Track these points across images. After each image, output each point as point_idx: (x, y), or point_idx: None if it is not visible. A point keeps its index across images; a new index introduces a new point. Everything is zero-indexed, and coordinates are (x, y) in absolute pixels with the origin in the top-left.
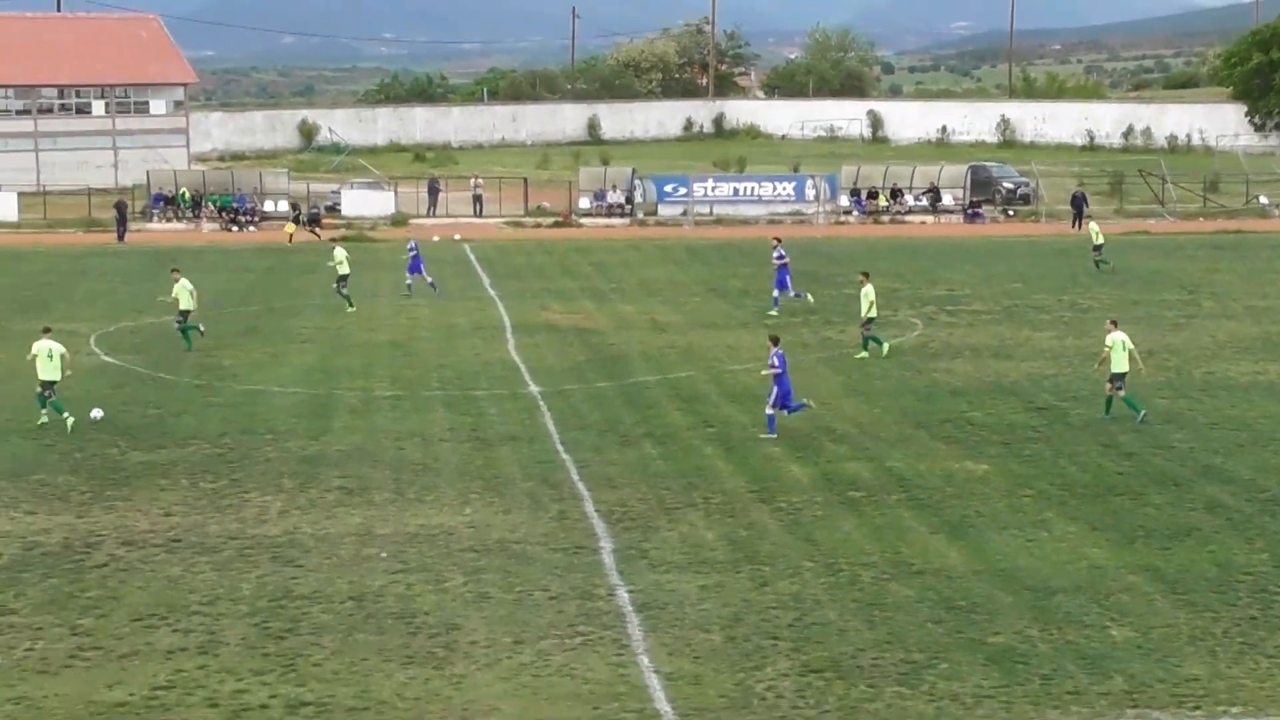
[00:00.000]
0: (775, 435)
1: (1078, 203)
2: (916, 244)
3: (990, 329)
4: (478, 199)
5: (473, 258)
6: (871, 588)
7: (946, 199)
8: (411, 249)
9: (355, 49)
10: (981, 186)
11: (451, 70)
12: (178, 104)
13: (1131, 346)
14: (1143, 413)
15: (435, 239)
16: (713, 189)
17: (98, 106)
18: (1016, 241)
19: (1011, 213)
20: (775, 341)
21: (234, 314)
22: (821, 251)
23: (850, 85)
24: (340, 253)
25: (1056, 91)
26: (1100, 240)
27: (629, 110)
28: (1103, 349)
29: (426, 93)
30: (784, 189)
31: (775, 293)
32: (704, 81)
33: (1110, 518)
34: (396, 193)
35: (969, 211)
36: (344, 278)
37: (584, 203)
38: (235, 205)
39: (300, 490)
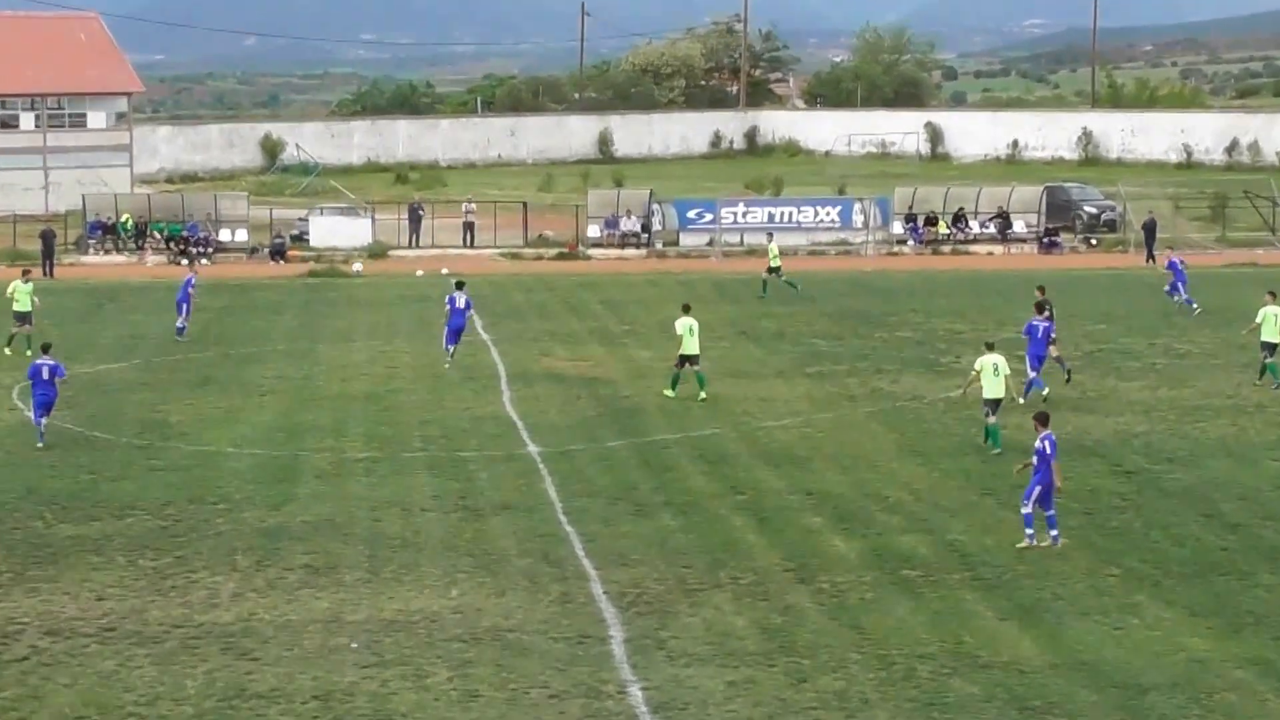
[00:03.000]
0: (1032, 536)
1: (1150, 232)
2: (982, 278)
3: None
4: (469, 227)
5: (471, 304)
6: (930, 684)
7: (1018, 225)
8: (451, 303)
9: (328, 52)
10: (1059, 211)
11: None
12: (120, 116)
13: (1007, 372)
14: (998, 448)
15: (419, 273)
16: (744, 215)
17: (26, 119)
18: (1100, 275)
19: (1094, 241)
20: (1044, 421)
21: (183, 361)
22: (872, 286)
23: (906, 93)
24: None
25: (1147, 100)
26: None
27: (647, 123)
28: (972, 371)
29: (410, 103)
30: (828, 214)
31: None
32: (734, 89)
33: (1213, 601)
34: (374, 220)
35: (1044, 240)
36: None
37: (593, 231)
38: (186, 234)
39: (258, 569)
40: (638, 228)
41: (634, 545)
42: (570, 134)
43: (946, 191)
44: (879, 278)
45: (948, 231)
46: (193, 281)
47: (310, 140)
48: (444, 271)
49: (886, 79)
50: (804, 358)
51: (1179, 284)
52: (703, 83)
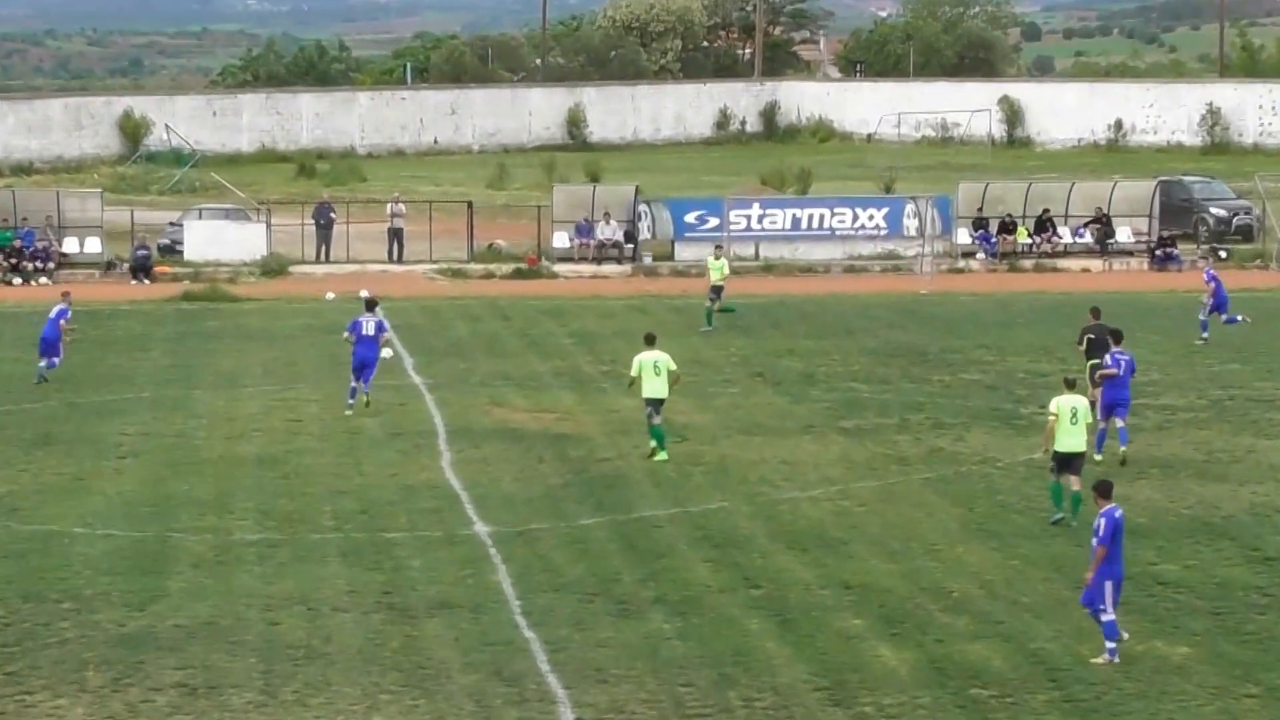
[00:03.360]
0: (1114, 653)
1: None
2: (1076, 303)
3: (1192, 434)
4: (396, 234)
5: (387, 325)
6: None
7: (1123, 233)
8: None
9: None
10: (1177, 214)
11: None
12: None
13: (1090, 419)
14: (1074, 521)
15: (329, 296)
16: (760, 219)
17: None
18: (1232, 298)
19: (1224, 254)
20: (1105, 493)
21: (15, 414)
22: (929, 314)
23: (973, 59)
24: None
25: None
26: None
27: (630, 97)
28: (1048, 415)
29: (317, 70)
30: (871, 218)
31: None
32: (747, 53)
33: None
34: (270, 225)
35: (1158, 252)
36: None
37: (560, 240)
38: (19, 244)
39: (115, 689)
40: (619, 236)
41: (615, 656)
42: (530, 112)
43: (1028, 188)
44: (938, 302)
45: (1029, 241)
46: (66, 314)
47: (185, 120)
48: (363, 294)
49: (948, 40)
50: (840, 408)
51: (1219, 304)
52: (705, 44)
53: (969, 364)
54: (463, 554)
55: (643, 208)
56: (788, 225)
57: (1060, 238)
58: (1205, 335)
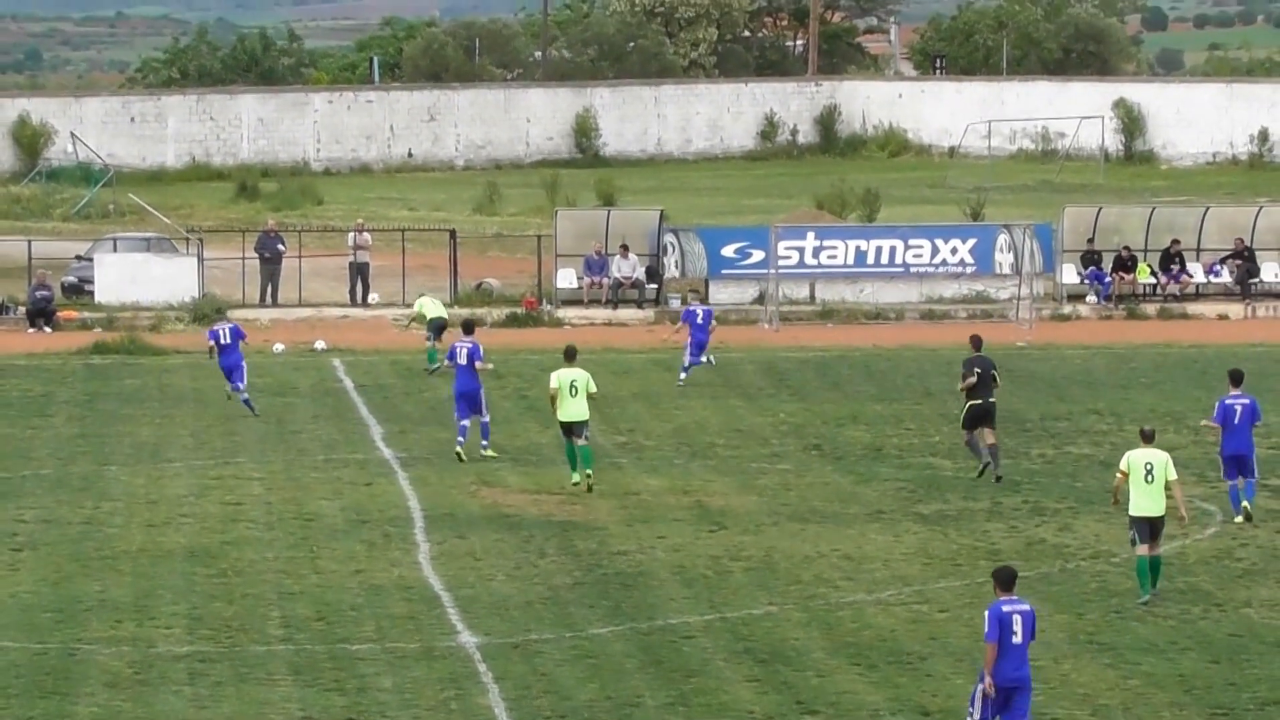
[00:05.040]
0: None
1: None
2: (1209, 357)
3: None
4: (360, 270)
5: (349, 384)
6: None
7: (1269, 270)
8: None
9: None
10: None
11: (310, 24)
12: None
13: (1172, 476)
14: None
15: (278, 348)
16: (816, 252)
17: None
18: None
19: None
20: (1003, 582)
21: None
22: (1028, 371)
23: (1083, 53)
24: None
25: None
26: None
27: (653, 100)
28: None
29: (262, 66)
30: (954, 252)
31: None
32: (798, 45)
33: None
34: (202, 259)
35: None
36: None
37: (566, 279)
38: None
39: None
40: (639, 274)
41: None
42: (528, 118)
43: (1150, 215)
44: (1039, 357)
45: (1152, 281)
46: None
47: (95, 128)
48: (318, 346)
49: (1050, 29)
50: (916, 489)
51: None
52: (746, 34)
53: (1078, 434)
54: (444, 671)
55: (669, 238)
56: (850, 260)
57: (1191, 276)
58: None
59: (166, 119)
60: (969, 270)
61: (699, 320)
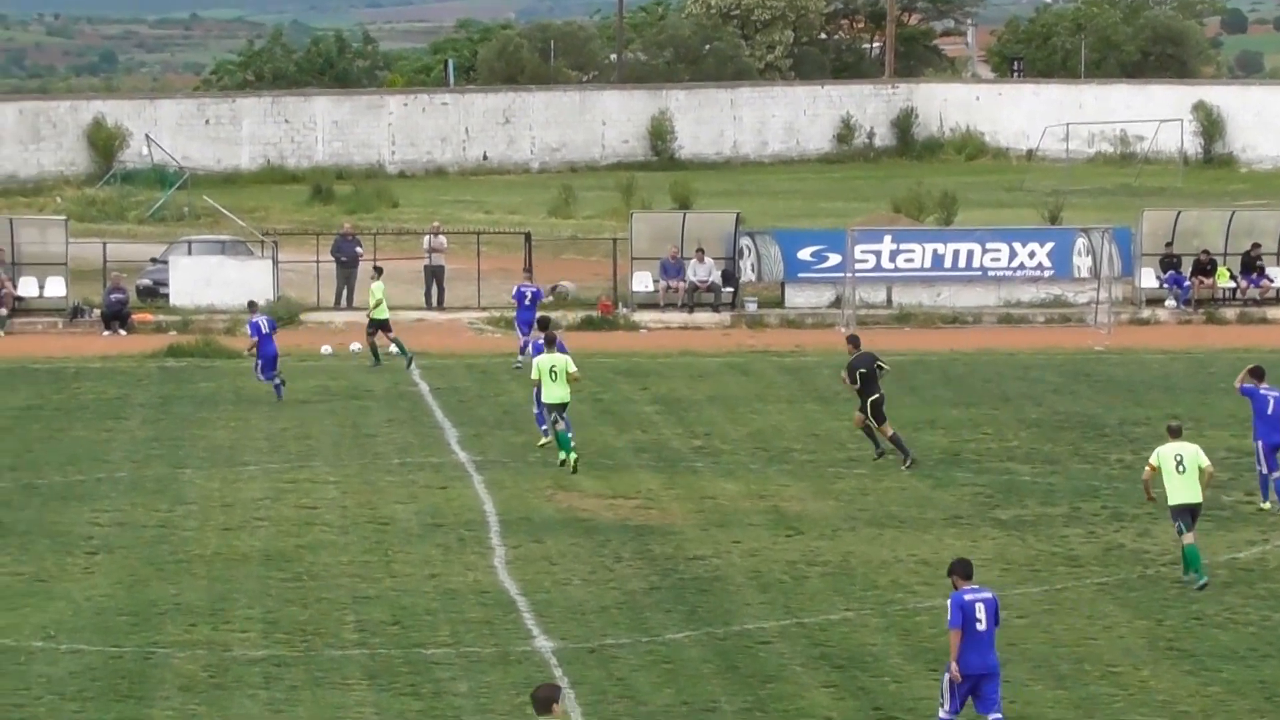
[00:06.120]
0: None
1: None
2: None
3: None
4: (435, 274)
5: (424, 388)
6: None
7: None
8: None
9: None
10: None
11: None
12: None
13: (1204, 464)
14: (1202, 579)
15: (354, 348)
16: (893, 256)
17: None
18: None
19: None
20: (961, 572)
21: None
22: (1106, 376)
23: (1161, 56)
24: None
25: None
26: None
27: (729, 103)
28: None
29: (337, 69)
30: (1031, 256)
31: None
32: (875, 47)
33: None
34: (276, 262)
35: None
36: None
37: (641, 282)
38: None
39: None
40: (715, 277)
41: None
42: (603, 121)
43: (1230, 218)
44: (1118, 362)
45: (1232, 285)
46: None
47: (170, 130)
48: (391, 350)
49: (1129, 32)
50: (993, 494)
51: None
52: (823, 36)
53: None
54: (520, 676)
55: (745, 241)
56: (927, 264)
57: (1272, 281)
58: None
59: (241, 121)
60: (1047, 274)
61: (527, 302)
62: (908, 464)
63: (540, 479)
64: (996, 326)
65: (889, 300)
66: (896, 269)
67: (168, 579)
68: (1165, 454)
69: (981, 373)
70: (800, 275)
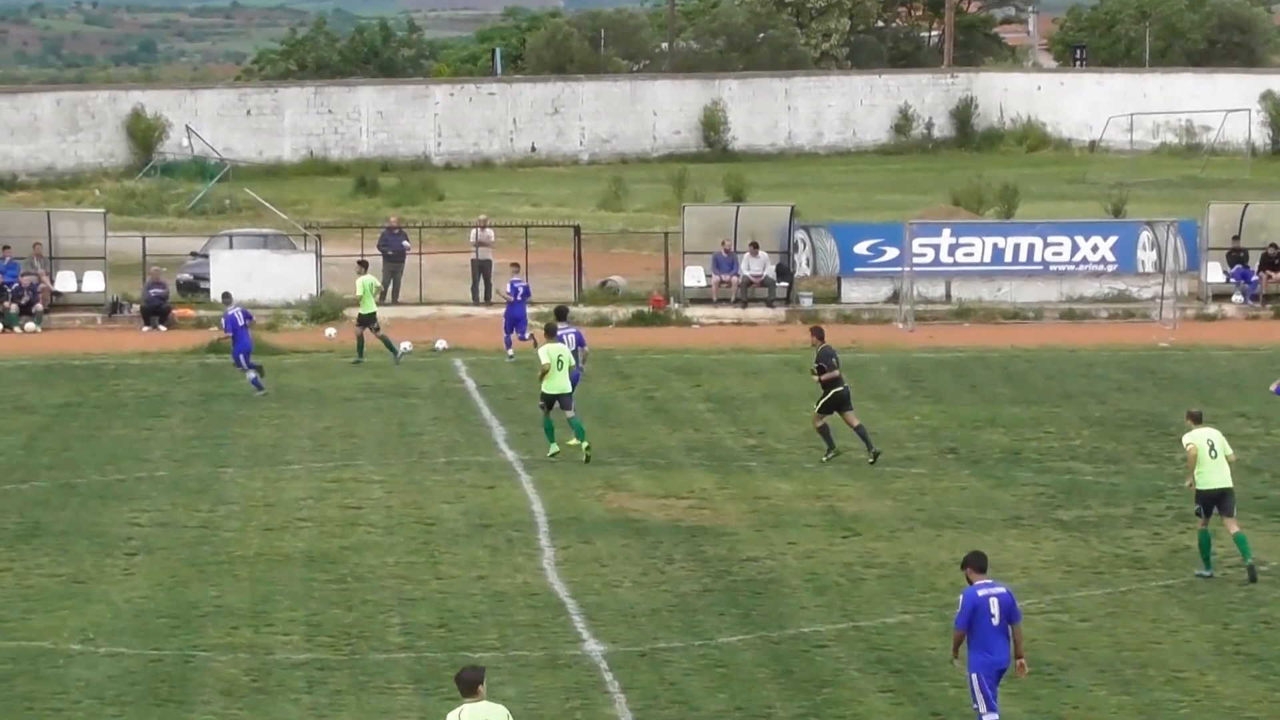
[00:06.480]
0: None
1: None
2: None
3: None
4: (483, 269)
5: (471, 385)
6: None
7: None
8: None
9: None
10: None
11: (431, 14)
12: None
13: (1229, 452)
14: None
15: (404, 347)
16: (952, 250)
17: None
18: None
19: None
20: (976, 566)
21: None
22: (1172, 373)
23: (1228, 44)
24: None
25: None
26: None
27: (783, 93)
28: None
29: (381, 58)
30: (1095, 250)
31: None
32: (933, 36)
33: None
34: (320, 256)
35: None
36: None
37: (694, 276)
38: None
39: None
40: (770, 271)
41: None
42: (654, 111)
43: None
44: (1183, 358)
45: None
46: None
47: (210, 121)
48: (439, 345)
49: (1195, 20)
50: (1055, 494)
51: None
52: (880, 24)
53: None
54: (569, 681)
55: (800, 235)
56: (987, 258)
57: None
58: None
59: (283, 112)
60: (1110, 268)
61: (518, 298)
62: (872, 458)
63: (590, 479)
64: (1058, 322)
65: (948, 295)
66: (956, 263)
67: (209, 581)
68: (1199, 439)
69: (1043, 370)
70: (857, 270)
